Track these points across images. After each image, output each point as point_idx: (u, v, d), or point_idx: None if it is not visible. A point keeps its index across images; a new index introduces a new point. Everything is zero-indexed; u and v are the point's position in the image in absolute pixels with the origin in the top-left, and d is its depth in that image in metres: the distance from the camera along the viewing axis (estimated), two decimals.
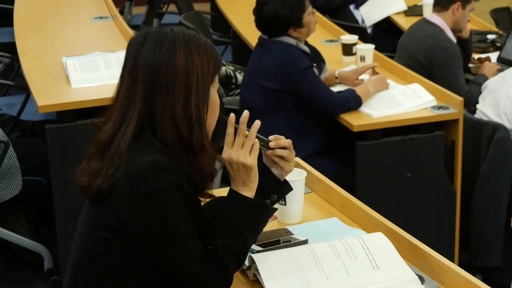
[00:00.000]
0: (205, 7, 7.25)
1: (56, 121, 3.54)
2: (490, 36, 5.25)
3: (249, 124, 1.98)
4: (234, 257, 1.92)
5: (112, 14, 4.94)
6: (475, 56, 4.90)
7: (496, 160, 3.74)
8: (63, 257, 3.62)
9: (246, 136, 1.95)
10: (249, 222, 1.96)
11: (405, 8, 5.93)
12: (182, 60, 1.88)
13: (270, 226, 2.13)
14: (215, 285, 1.92)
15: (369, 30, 5.88)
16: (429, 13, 4.67)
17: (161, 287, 1.93)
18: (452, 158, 3.80)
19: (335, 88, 3.94)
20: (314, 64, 3.83)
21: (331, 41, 4.90)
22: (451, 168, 3.81)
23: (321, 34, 4.93)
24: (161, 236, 1.86)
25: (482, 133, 3.76)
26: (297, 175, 2.38)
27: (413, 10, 5.86)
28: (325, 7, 6.07)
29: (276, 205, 2.10)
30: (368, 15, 6.13)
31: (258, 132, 1.98)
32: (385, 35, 5.90)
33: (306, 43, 3.89)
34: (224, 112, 4.06)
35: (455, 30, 4.55)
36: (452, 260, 3.23)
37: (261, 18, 3.81)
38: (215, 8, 6.52)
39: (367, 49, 4.36)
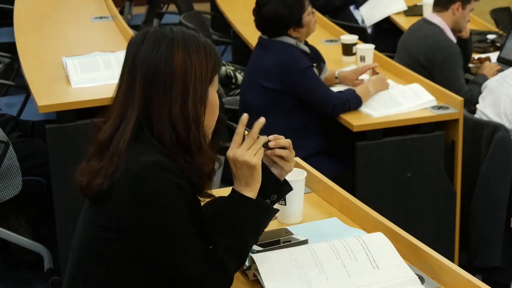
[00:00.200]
0: (205, 7, 7.24)
1: (56, 121, 3.54)
2: (490, 36, 5.25)
3: (249, 125, 1.98)
4: (234, 257, 1.92)
5: (112, 14, 4.94)
6: (475, 56, 4.89)
7: (496, 160, 3.74)
8: (63, 257, 3.62)
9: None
10: (250, 222, 1.95)
11: (405, 8, 5.93)
12: (180, 59, 1.88)
13: (270, 226, 2.12)
14: (215, 285, 1.91)
15: (369, 30, 5.88)
16: (429, 13, 4.67)
17: (161, 287, 1.93)
18: (452, 158, 3.80)
19: (335, 88, 3.94)
20: (314, 64, 3.83)
21: (331, 41, 4.90)
22: (451, 168, 3.81)
23: (321, 34, 4.93)
24: (161, 236, 1.86)
25: (482, 133, 3.76)
26: (297, 175, 2.38)
27: (413, 10, 5.86)
28: (325, 7, 6.06)
29: (276, 205, 2.09)
30: (368, 15, 6.13)
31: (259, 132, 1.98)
32: (385, 35, 5.90)
33: (306, 43, 3.89)
34: (224, 112, 4.05)
35: (455, 30, 4.55)
36: (452, 260, 3.23)
37: (261, 18, 3.81)
38: (215, 8, 6.52)
39: (367, 49, 4.36)
